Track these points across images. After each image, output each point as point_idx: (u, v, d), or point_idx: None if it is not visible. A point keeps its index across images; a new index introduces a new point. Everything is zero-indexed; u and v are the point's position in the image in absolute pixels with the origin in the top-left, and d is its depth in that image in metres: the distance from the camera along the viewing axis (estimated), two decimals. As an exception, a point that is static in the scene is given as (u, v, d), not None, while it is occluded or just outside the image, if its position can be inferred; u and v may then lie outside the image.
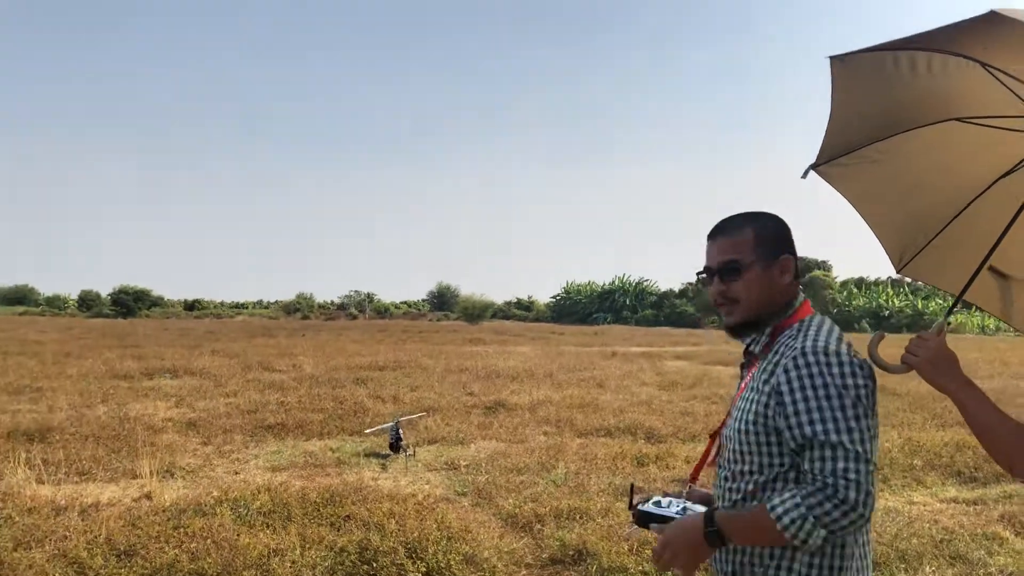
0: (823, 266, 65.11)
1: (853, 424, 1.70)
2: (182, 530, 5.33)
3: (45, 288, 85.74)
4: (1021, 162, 2.41)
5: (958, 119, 2.39)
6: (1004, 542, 5.52)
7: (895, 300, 60.69)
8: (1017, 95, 2.19)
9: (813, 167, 2.58)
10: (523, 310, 77.91)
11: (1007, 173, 2.44)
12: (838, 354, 1.77)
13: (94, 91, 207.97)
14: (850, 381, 1.74)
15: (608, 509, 6.23)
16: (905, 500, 6.91)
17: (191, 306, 79.37)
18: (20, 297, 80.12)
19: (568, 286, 77.23)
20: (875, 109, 2.44)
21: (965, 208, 2.56)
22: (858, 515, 1.65)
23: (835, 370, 1.74)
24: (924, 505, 6.71)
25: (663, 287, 72.40)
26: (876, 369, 1.96)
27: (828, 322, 1.94)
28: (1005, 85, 2.18)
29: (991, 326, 50.27)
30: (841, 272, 71.42)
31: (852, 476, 1.65)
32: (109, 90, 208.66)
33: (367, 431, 9.64)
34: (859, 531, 1.83)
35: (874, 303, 59.90)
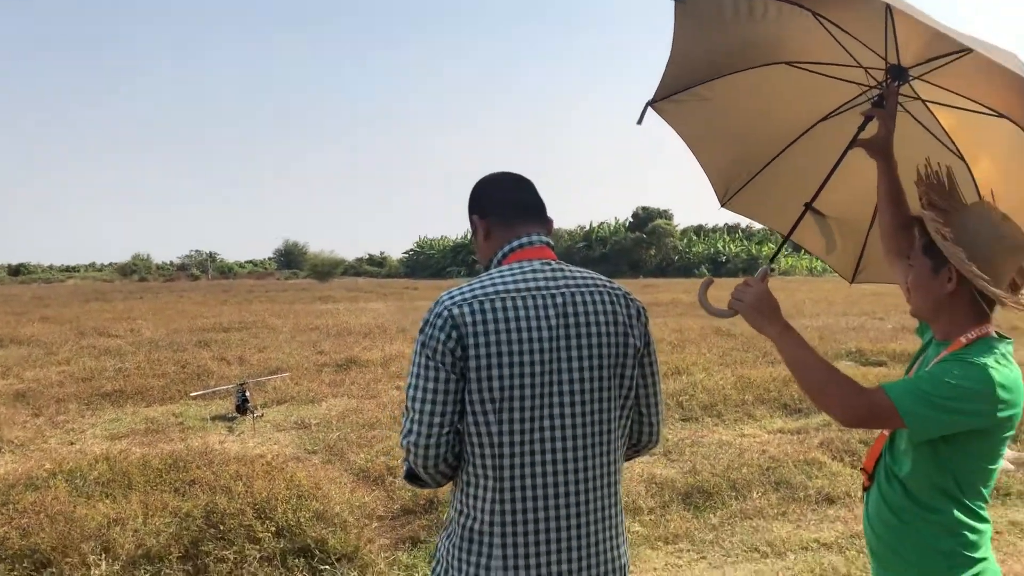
0: (665, 215, 67.66)
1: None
2: (11, 506, 5.05)
3: None
4: (840, 108, 2.57)
5: (787, 63, 2.54)
6: (822, 466, 6.05)
7: (732, 246, 64.04)
8: (842, 45, 2.36)
9: (650, 103, 2.65)
10: (376, 266, 77.04)
11: (826, 117, 2.60)
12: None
13: None
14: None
15: (459, 458, 6.35)
16: (737, 433, 7.41)
17: (15, 271, 73.82)
18: None
19: (421, 241, 76.90)
20: (711, 49, 2.55)
21: (786, 148, 2.69)
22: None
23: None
24: (754, 437, 7.22)
25: (514, 240, 73.27)
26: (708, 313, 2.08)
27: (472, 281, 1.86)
28: (832, 36, 2.34)
29: (818, 268, 53.89)
30: (682, 220, 74.50)
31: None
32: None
33: (192, 395, 9.37)
34: None
35: (712, 249, 63.01)
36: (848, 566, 4.43)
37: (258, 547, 4.59)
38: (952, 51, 2.02)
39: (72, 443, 7.40)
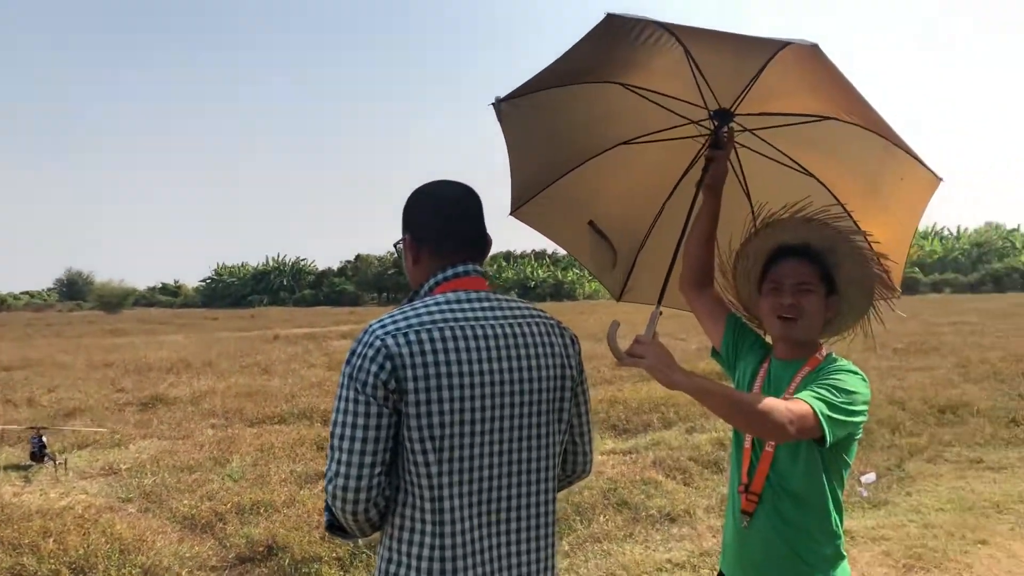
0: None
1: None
2: None
3: None
4: (635, 139, 2.65)
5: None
6: (659, 485, 6.26)
7: (540, 271, 65.88)
8: (665, 108, 2.49)
9: (501, 100, 2.55)
10: (170, 295, 72.74)
11: (628, 142, 2.67)
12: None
13: None
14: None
15: (293, 498, 6.06)
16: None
17: None
18: None
19: (219, 268, 73.51)
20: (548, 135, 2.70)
21: (584, 163, 2.73)
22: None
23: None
24: (586, 459, 7.36)
25: (321, 266, 71.89)
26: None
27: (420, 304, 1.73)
28: (653, 102, 2.48)
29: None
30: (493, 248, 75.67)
31: None
32: None
33: None
34: None
35: (521, 275, 64.49)
36: (701, 585, 4.60)
37: (79, 611, 4.15)
38: (756, 69, 2.14)
39: None
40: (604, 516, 5.61)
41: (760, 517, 2.21)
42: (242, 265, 73.77)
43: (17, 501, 6.25)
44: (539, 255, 70.89)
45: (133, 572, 4.49)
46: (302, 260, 72.25)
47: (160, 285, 76.81)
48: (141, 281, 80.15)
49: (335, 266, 71.18)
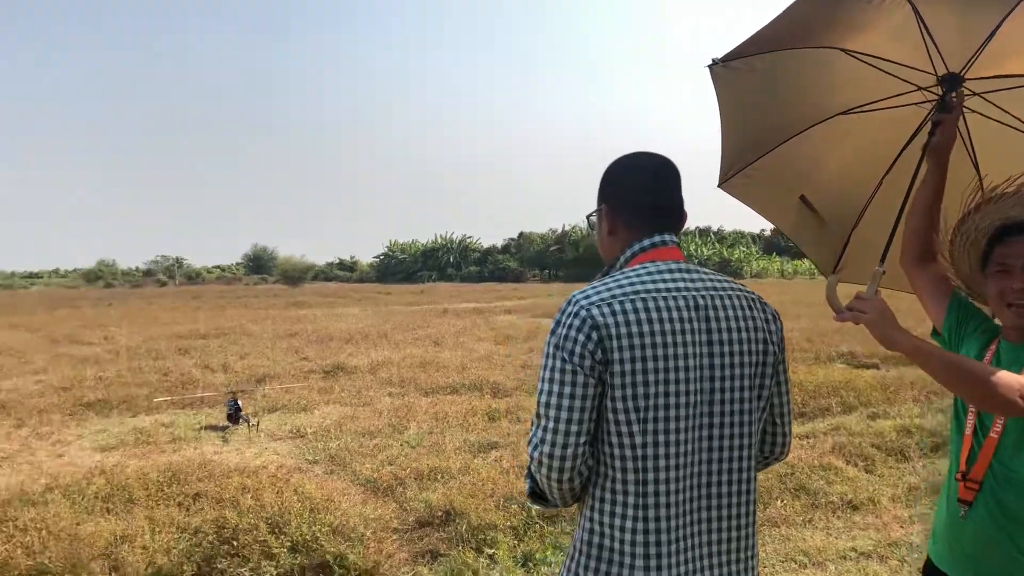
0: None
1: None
2: (11, 523, 4.81)
3: None
4: (856, 108, 2.49)
5: (840, 48, 2.45)
6: (839, 471, 5.97)
7: (704, 249, 64.38)
8: (890, 73, 2.30)
9: (717, 61, 2.54)
10: (346, 271, 76.38)
11: (847, 111, 2.51)
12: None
13: None
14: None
15: (468, 466, 6.21)
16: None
17: (-25, 278, 72.13)
18: None
19: (391, 245, 76.34)
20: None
21: (796, 135, 2.60)
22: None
23: None
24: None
25: (486, 243, 73.23)
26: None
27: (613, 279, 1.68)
28: (878, 68, 2.29)
29: (789, 271, 54.42)
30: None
31: None
32: None
33: (157, 400, 9.19)
34: None
35: (685, 252, 63.26)
36: (892, 576, 4.35)
37: (274, 564, 4.40)
38: (992, 25, 1.94)
39: (60, 455, 7.14)
40: (781, 501, 5.39)
41: (979, 507, 2.03)
42: (412, 242, 76.22)
43: (217, 459, 6.73)
44: (703, 232, 69.21)
45: (322, 531, 4.71)
46: (468, 237, 73.87)
47: (337, 261, 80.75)
48: (320, 257, 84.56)
49: (499, 244, 72.34)
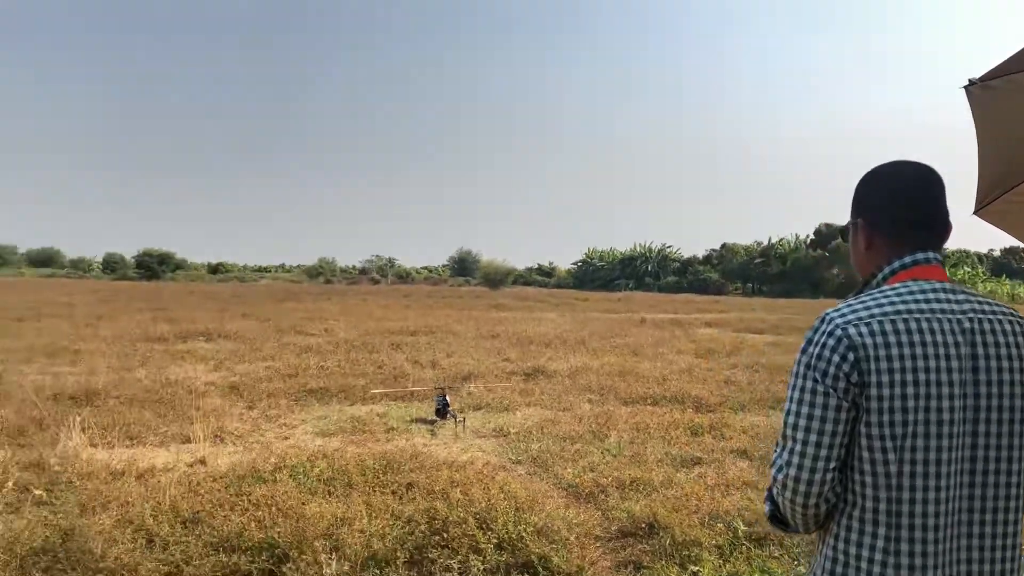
0: (848, 234, 64.05)
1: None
2: (245, 498, 5.24)
3: (70, 251, 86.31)
4: None
5: None
6: None
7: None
8: None
9: (974, 82, 2.37)
10: (544, 275, 77.71)
11: None
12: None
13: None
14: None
15: (671, 480, 6.10)
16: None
17: (215, 269, 79.67)
18: (46, 259, 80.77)
19: (590, 252, 76.81)
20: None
21: None
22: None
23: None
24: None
25: (686, 254, 72.02)
26: None
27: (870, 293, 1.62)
28: None
29: (1021, 295, 49.83)
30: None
31: None
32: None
33: (373, 391, 9.71)
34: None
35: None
36: None
37: (481, 559, 4.51)
38: None
39: (286, 438, 7.69)
40: None
41: None
42: (610, 250, 76.33)
43: (427, 451, 7.01)
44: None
45: (528, 531, 4.78)
46: (668, 247, 72.94)
47: (536, 266, 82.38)
48: (520, 262, 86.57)
49: (700, 254, 70.93)
